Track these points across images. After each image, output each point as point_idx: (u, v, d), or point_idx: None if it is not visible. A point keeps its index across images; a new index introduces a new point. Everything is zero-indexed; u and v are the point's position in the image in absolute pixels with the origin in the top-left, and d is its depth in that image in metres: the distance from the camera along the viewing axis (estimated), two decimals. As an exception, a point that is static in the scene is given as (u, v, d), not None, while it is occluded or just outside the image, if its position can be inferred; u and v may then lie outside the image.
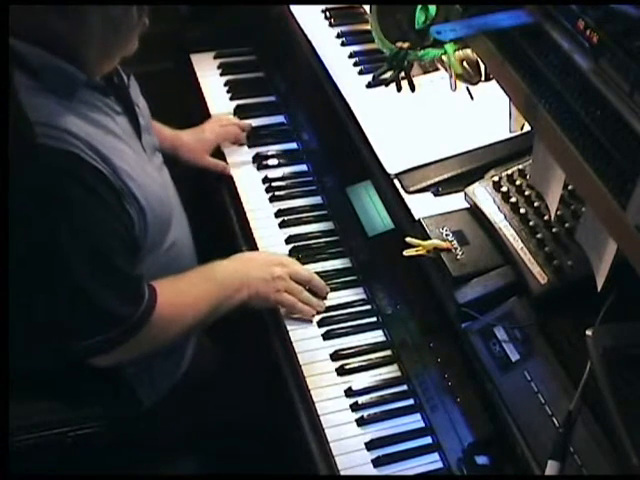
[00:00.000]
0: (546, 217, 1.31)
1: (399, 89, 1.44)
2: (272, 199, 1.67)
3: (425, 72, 1.66)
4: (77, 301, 1.24)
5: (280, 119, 1.86)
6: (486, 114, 1.54)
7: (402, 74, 1.42)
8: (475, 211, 1.39)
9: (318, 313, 1.46)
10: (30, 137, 1.12)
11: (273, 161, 1.75)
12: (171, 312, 1.35)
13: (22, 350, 1.24)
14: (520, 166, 1.40)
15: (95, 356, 1.31)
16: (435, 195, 1.46)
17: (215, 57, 1.98)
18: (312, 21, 1.84)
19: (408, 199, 1.44)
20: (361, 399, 1.34)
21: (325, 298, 1.49)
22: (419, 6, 1.33)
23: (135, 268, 1.32)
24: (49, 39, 1.16)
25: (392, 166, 1.49)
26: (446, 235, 1.34)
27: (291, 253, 1.56)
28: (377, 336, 1.45)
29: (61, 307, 1.25)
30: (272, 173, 1.72)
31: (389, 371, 1.39)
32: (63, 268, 1.20)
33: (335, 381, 1.37)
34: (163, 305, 1.33)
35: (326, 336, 1.43)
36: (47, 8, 1.12)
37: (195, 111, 1.84)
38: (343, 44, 1.79)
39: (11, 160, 1.10)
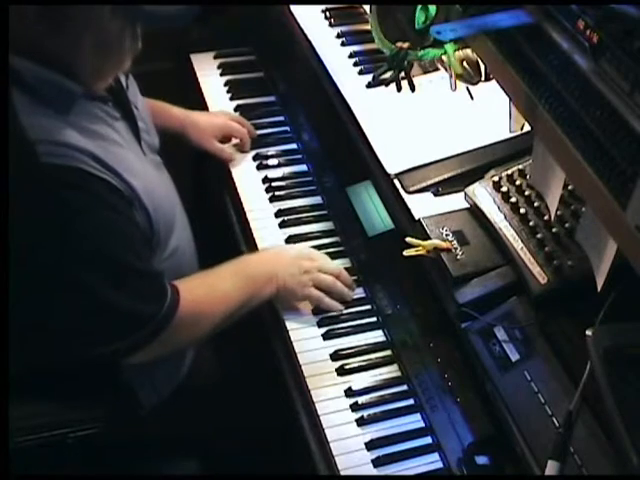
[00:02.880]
0: (546, 217, 1.31)
1: (399, 89, 1.44)
2: (272, 199, 1.67)
3: (425, 72, 1.66)
4: (100, 308, 1.24)
5: (280, 119, 1.86)
6: (486, 114, 1.54)
7: (402, 74, 1.42)
8: (475, 211, 1.39)
9: (346, 303, 1.47)
10: (33, 157, 1.12)
11: (273, 161, 1.75)
12: (201, 306, 1.36)
13: (24, 352, 1.25)
14: (520, 166, 1.40)
15: (124, 357, 1.31)
16: (435, 195, 1.46)
17: (215, 57, 1.98)
18: (312, 21, 1.84)
19: (408, 199, 1.44)
20: (361, 399, 1.34)
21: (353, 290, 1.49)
22: (419, 6, 1.33)
23: (153, 267, 1.33)
24: (44, 54, 1.16)
25: (392, 166, 1.49)
26: (446, 235, 1.34)
27: (291, 253, 1.56)
28: (377, 336, 1.45)
29: (84, 316, 1.25)
30: (272, 173, 1.72)
31: (389, 371, 1.39)
32: (83, 279, 1.21)
33: (335, 381, 1.37)
34: (192, 300, 1.33)
35: (326, 336, 1.43)
36: (37, 19, 1.11)
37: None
38: (343, 44, 1.79)
39: (16, 182, 1.10)
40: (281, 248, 1.53)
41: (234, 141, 1.76)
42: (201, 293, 1.37)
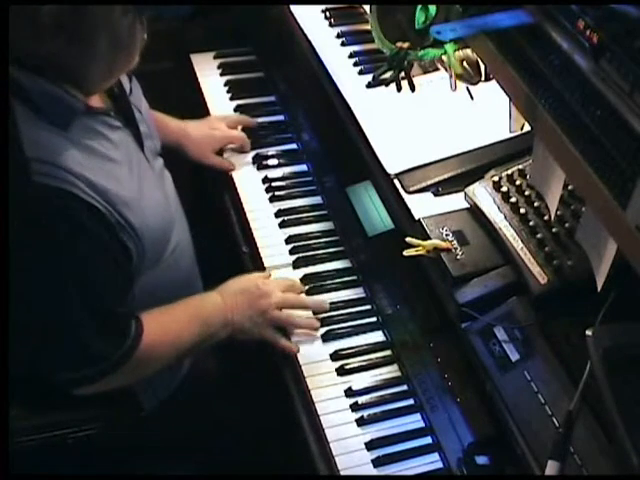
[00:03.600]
0: (546, 217, 1.31)
1: (399, 89, 1.44)
2: (272, 199, 1.67)
3: (425, 72, 1.66)
4: (61, 336, 1.23)
5: (280, 119, 1.86)
6: (486, 114, 1.54)
7: (402, 74, 1.42)
8: (475, 211, 1.39)
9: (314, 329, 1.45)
10: (26, 174, 1.11)
11: (273, 161, 1.75)
12: (153, 349, 1.34)
13: (23, 353, 1.24)
14: (520, 166, 1.40)
15: (76, 388, 1.30)
16: (435, 195, 1.46)
17: (215, 57, 1.98)
18: (312, 21, 1.84)
19: (408, 199, 1.44)
20: (361, 399, 1.34)
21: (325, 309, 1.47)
22: (419, 6, 1.33)
23: (125, 305, 1.31)
24: (50, 64, 1.14)
25: (392, 166, 1.49)
26: (446, 235, 1.34)
27: (291, 253, 1.56)
28: (377, 336, 1.44)
29: (45, 339, 1.24)
30: (272, 173, 1.72)
31: (389, 371, 1.39)
32: (51, 304, 1.20)
33: (335, 381, 1.37)
34: (146, 342, 1.31)
35: (326, 336, 1.43)
36: (55, 30, 1.09)
37: (195, 111, 1.84)
38: (343, 44, 1.79)
39: (10, 193, 1.09)
40: (239, 285, 1.47)
41: (233, 145, 1.76)
42: (155, 335, 1.34)
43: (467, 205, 1.41)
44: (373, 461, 1.27)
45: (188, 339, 1.39)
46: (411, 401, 1.35)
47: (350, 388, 1.35)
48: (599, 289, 1.10)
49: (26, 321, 1.21)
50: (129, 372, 1.32)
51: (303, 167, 1.75)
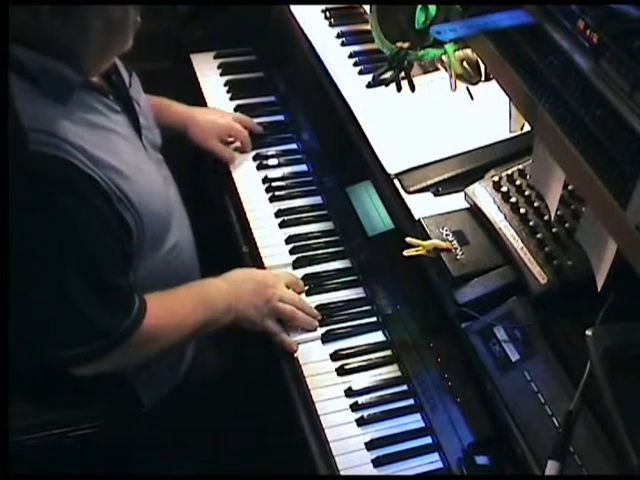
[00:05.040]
0: (546, 217, 1.31)
1: (399, 89, 1.44)
2: (272, 199, 1.67)
3: (425, 72, 1.66)
4: (63, 310, 1.23)
5: (280, 119, 1.86)
6: (486, 114, 1.54)
7: (402, 74, 1.43)
8: (475, 211, 1.39)
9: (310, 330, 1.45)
10: (23, 144, 1.11)
11: (273, 161, 1.75)
12: (156, 330, 1.34)
13: (22, 350, 1.24)
14: (520, 166, 1.40)
15: (77, 366, 1.30)
16: (435, 195, 1.46)
17: (215, 57, 1.98)
18: (312, 21, 1.84)
19: (408, 199, 1.44)
20: (361, 399, 1.34)
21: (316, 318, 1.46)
22: (419, 6, 1.33)
23: (126, 279, 1.31)
24: (46, 42, 1.16)
25: (392, 166, 1.48)
26: (446, 235, 1.34)
27: (291, 253, 1.56)
28: (377, 336, 1.45)
29: (46, 314, 1.24)
30: (272, 173, 1.72)
31: (389, 371, 1.39)
32: (51, 276, 1.20)
33: (335, 381, 1.37)
34: (149, 322, 1.31)
35: (326, 336, 1.43)
36: (50, 13, 1.12)
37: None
38: (343, 44, 1.79)
39: (8, 167, 1.10)
40: (245, 274, 1.49)
41: (235, 144, 1.76)
42: (159, 317, 1.34)
43: (467, 205, 1.41)
44: (373, 461, 1.27)
45: (191, 322, 1.39)
46: (411, 401, 1.35)
47: (350, 388, 1.35)
48: (599, 289, 1.10)
49: (26, 294, 1.21)
50: (131, 351, 1.31)
51: (303, 167, 1.75)
